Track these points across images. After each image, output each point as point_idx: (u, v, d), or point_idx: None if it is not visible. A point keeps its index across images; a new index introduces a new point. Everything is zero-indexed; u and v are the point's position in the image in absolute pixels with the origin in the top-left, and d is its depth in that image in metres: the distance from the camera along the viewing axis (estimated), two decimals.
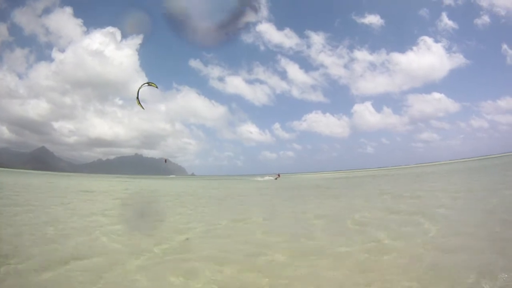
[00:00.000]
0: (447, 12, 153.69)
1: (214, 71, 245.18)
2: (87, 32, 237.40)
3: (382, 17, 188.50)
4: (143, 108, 12.05)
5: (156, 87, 12.54)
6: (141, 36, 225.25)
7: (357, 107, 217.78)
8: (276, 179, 50.85)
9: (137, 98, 11.88)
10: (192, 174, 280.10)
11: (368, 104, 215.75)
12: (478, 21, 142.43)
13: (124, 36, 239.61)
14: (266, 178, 56.16)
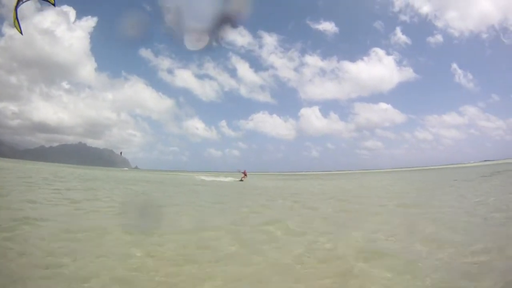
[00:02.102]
0: (402, 27, 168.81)
1: (164, 63, 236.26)
2: (41, 9, 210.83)
3: (337, 25, 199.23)
4: (20, 31, 9.62)
5: (53, 4, 10.10)
6: (95, 19, 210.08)
7: (304, 111, 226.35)
8: (242, 180, 35.27)
9: (15, 17, 9.43)
10: (136, 168, 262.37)
11: (315, 109, 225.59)
12: (431, 39, 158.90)
13: (79, 16, 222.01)
14: (229, 179, 38.74)
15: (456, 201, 13.04)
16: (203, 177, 43.80)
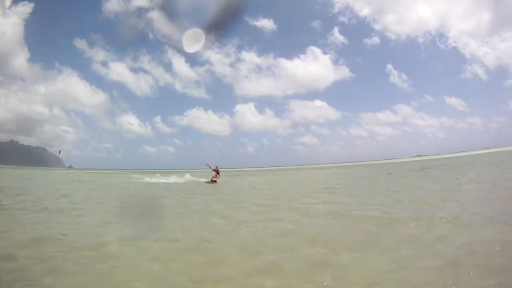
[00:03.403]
0: (340, 27, 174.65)
1: (99, 54, 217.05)
2: None
3: (275, 22, 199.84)
4: None
5: None
6: (32, 5, 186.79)
7: (239, 107, 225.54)
8: (213, 181, 23.68)
9: None
10: (70, 166, 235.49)
11: (251, 105, 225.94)
12: (368, 41, 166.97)
13: (15, 1, 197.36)
14: (185, 179, 28.09)
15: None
16: (147, 178, 31.34)
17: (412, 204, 9.36)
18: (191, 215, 9.26)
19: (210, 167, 24.08)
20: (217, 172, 24.16)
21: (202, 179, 25.84)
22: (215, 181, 23.53)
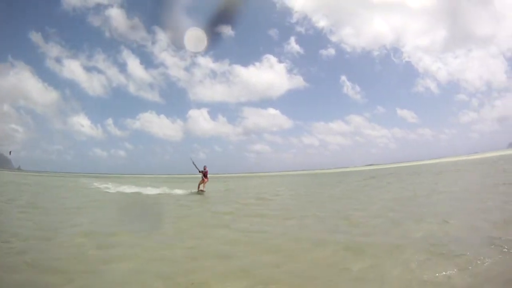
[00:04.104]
0: (297, 37, 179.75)
1: (54, 50, 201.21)
2: None
3: (233, 29, 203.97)
4: None
5: None
6: None
7: (192, 112, 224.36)
8: (200, 190, 18.84)
9: None
10: (19, 168, 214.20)
11: (204, 111, 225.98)
12: (324, 52, 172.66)
13: None
14: (179, 192, 20.10)
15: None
16: (109, 185, 26.57)
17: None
18: None
19: (197, 167, 18.57)
20: (205, 175, 18.50)
21: (179, 191, 20.01)
22: (202, 191, 18.10)
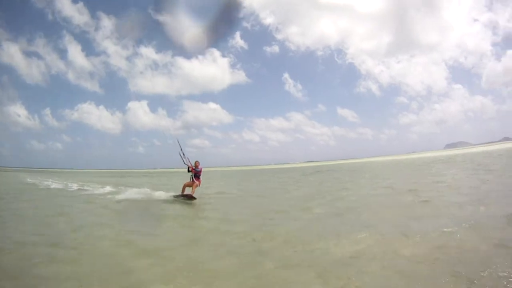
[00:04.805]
0: (242, 32, 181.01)
1: None
2: None
3: None
4: None
5: None
6: None
7: (132, 104, 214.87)
8: (189, 196, 12.87)
9: None
10: None
11: (144, 103, 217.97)
12: (268, 49, 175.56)
13: None
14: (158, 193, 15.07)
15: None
16: (75, 185, 22.12)
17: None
18: None
19: (187, 163, 13.08)
20: (197, 175, 13.09)
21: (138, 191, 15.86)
22: (192, 197, 12.59)
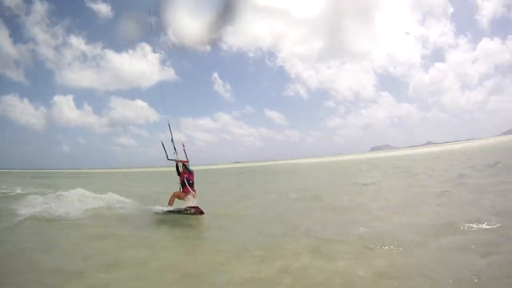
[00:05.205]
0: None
1: None
2: None
3: (112, 9, 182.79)
4: None
5: None
6: None
7: (58, 98, 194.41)
8: (181, 210, 8.58)
9: None
10: None
11: (70, 98, 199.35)
12: (199, 47, 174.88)
13: None
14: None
15: None
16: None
17: None
18: None
19: (174, 156, 9.21)
20: (190, 181, 8.98)
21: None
22: (201, 211, 8.32)
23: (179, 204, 8.64)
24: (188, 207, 8.31)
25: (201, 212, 8.22)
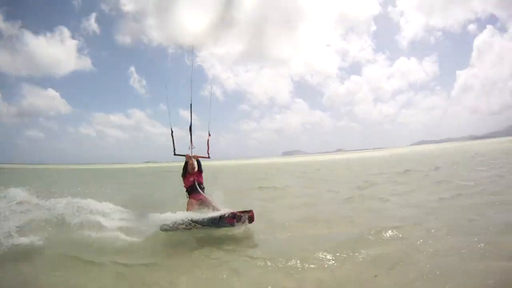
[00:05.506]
0: (98, 15, 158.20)
1: None
2: None
3: None
4: None
5: None
6: None
7: None
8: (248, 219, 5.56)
9: None
10: None
11: None
12: (120, 38, 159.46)
13: None
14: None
15: None
16: None
17: None
18: None
19: (197, 159, 6.76)
20: (201, 185, 6.60)
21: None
22: (251, 215, 5.74)
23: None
24: (232, 213, 5.63)
25: (253, 218, 5.76)
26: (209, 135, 7.10)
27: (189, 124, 6.94)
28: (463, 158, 25.31)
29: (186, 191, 6.61)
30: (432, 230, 5.08)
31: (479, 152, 32.05)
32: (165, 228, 5.69)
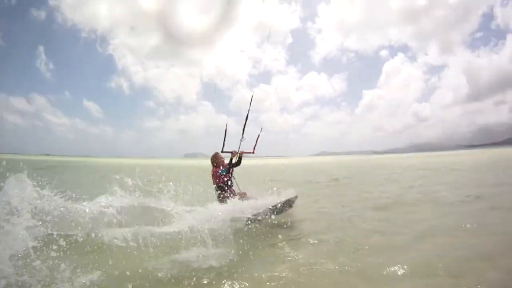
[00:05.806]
0: None
1: None
2: None
3: None
4: None
5: None
6: None
7: None
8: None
9: None
10: None
11: None
12: (35, 12, 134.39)
13: None
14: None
15: None
16: None
17: None
18: None
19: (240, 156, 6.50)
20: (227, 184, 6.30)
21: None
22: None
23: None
24: (285, 202, 6.06)
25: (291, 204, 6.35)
26: (261, 130, 6.92)
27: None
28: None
29: (220, 188, 6.29)
30: None
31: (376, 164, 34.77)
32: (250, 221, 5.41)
